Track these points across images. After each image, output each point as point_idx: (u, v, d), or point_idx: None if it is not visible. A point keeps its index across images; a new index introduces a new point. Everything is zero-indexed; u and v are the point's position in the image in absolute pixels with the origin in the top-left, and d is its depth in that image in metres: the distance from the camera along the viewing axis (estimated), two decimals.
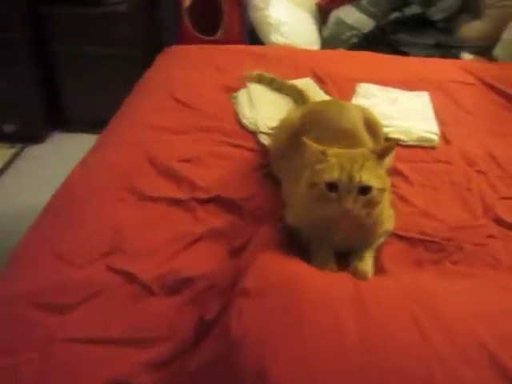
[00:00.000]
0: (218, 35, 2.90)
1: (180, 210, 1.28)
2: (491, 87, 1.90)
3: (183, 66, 1.97)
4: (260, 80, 1.81)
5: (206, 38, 2.92)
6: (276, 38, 2.96)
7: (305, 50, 2.38)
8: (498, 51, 2.29)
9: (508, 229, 1.29)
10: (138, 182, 1.36)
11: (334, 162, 1.05)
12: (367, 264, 1.13)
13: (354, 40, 2.85)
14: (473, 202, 1.38)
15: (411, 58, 2.21)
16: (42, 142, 2.74)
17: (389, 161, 1.07)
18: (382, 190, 1.05)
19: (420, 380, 0.74)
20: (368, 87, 1.84)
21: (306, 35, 3.02)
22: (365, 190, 1.02)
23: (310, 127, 1.33)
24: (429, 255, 1.20)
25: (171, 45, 2.41)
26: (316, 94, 1.76)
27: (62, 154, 2.39)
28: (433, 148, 1.58)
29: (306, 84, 1.83)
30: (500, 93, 1.88)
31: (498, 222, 1.31)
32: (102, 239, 1.18)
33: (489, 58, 2.42)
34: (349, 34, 2.85)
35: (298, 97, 1.70)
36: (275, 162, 1.43)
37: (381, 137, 1.44)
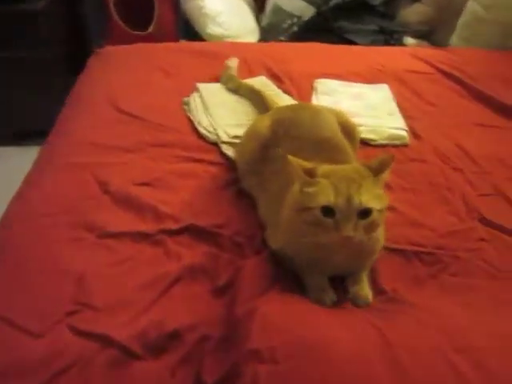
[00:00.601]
0: (151, 29, 2.69)
1: (148, 247, 1.12)
2: (447, 75, 1.86)
3: (123, 70, 1.77)
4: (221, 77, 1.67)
5: (138, 33, 2.70)
6: (213, 29, 2.79)
7: (255, 44, 2.25)
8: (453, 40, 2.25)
9: (495, 229, 1.24)
10: (92, 215, 1.18)
11: (326, 183, 0.92)
12: (366, 287, 1.04)
13: (295, 28, 2.73)
14: (455, 202, 1.32)
15: (364, 48, 2.13)
16: None
17: (386, 176, 0.96)
18: (381, 211, 0.94)
19: None
20: (328, 83, 1.73)
21: (243, 25, 2.87)
22: (365, 213, 0.91)
23: (282, 138, 1.21)
24: (426, 269, 1.13)
25: (99, 44, 2.18)
26: (275, 94, 1.63)
27: None
28: (405, 146, 1.51)
29: (262, 83, 1.70)
30: (456, 81, 1.84)
31: (484, 222, 1.27)
32: (62, 294, 1.00)
33: (432, 42, 2.40)
34: (289, 21, 2.73)
35: (257, 99, 1.57)
36: (245, 177, 1.29)
37: (358, 141, 1.34)
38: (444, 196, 1.33)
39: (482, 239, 1.21)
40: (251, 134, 1.30)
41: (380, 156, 0.97)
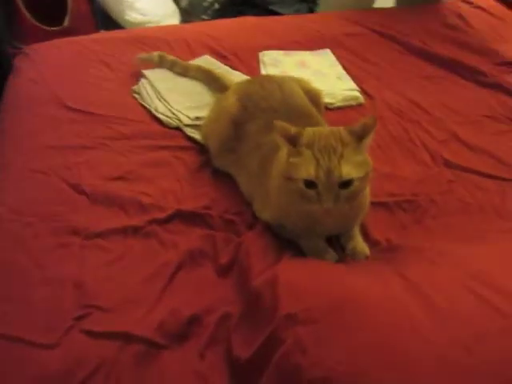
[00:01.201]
0: (66, 24, 2.56)
1: (140, 240, 1.09)
2: (382, 35, 1.92)
3: (58, 67, 1.68)
4: (161, 62, 1.61)
5: (52, 28, 2.56)
6: (131, 15, 2.72)
7: (191, 25, 2.19)
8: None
9: (460, 170, 1.33)
10: (72, 218, 1.13)
11: (309, 155, 0.93)
12: (361, 241, 1.08)
13: (216, 6, 2.72)
14: (419, 151, 1.39)
15: (298, 17, 2.15)
16: None
17: (369, 140, 0.97)
18: (365, 176, 0.95)
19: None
20: (272, 54, 1.74)
21: (162, 9, 2.81)
22: (346, 184, 0.92)
23: (254, 113, 1.21)
24: (408, 216, 1.19)
25: (12, 44, 2.05)
26: (225, 71, 1.62)
27: None
28: (360, 105, 1.56)
29: (207, 62, 1.67)
30: (392, 39, 1.91)
31: (449, 165, 1.35)
32: (64, 302, 0.95)
33: None
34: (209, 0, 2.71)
35: (209, 78, 1.55)
36: (219, 157, 1.28)
37: (323, 107, 1.37)
38: (408, 147, 1.40)
39: (451, 181, 1.29)
40: (219, 113, 1.29)
41: (363, 119, 0.97)
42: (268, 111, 1.19)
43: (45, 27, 2.53)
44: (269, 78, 1.28)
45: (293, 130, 0.96)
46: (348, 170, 0.91)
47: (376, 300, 0.77)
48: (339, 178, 0.91)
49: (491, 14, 2.23)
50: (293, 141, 0.95)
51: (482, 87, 1.69)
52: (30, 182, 1.23)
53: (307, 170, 0.92)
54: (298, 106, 1.19)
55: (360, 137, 0.95)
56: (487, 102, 1.60)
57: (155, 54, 1.62)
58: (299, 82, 1.32)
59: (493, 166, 1.33)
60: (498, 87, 1.67)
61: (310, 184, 0.93)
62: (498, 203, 1.21)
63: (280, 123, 0.97)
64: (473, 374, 0.66)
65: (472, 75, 1.74)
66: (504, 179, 1.29)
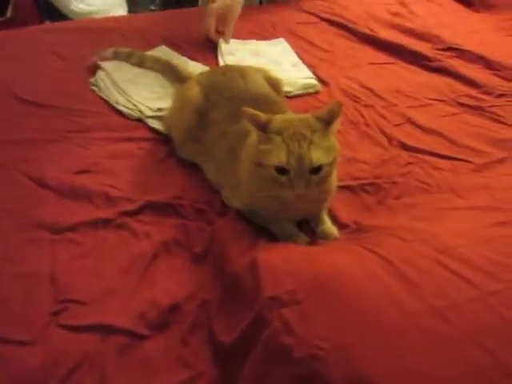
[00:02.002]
0: (9, 14, 2.46)
1: (112, 232, 1.08)
2: (331, 23, 1.97)
3: (10, 59, 1.62)
4: (116, 56, 1.59)
5: None
6: (77, 6, 2.65)
7: (144, 15, 2.14)
8: None
9: (416, 152, 1.38)
10: (38, 212, 1.10)
11: (279, 142, 0.95)
12: (329, 224, 1.12)
13: None
14: (376, 135, 1.44)
15: (249, 8, 2.14)
16: None
17: (337, 125, 1.00)
18: (333, 161, 0.99)
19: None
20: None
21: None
22: (316, 169, 0.95)
23: (217, 102, 1.22)
24: (372, 198, 1.23)
25: None
26: (182, 61, 1.61)
27: None
28: (317, 93, 1.60)
29: (164, 52, 1.67)
30: (340, 26, 1.96)
31: (405, 147, 1.40)
32: (39, 297, 0.94)
33: None
34: None
35: (166, 69, 1.54)
36: (184, 147, 1.28)
37: (283, 95, 1.39)
38: (365, 132, 1.45)
39: (409, 163, 1.34)
40: (182, 103, 1.29)
41: (328, 105, 0.99)
42: (232, 100, 1.20)
43: None
44: (230, 67, 1.30)
45: (263, 116, 0.98)
46: (318, 156, 0.94)
47: (354, 277, 0.81)
48: (310, 164, 0.94)
49: (431, 1, 2.32)
50: (263, 127, 0.97)
51: (430, 72, 1.77)
52: None
53: (278, 156, 0.94)
54: (262, 95, 1.21)
55: (327, 123, 0.98)
56: (436, 86, 1.67)
57: (109, 50, 1.59)
58: (260, 71, 1.34)
59: (446, 147, 1.40)
60: (444, 71, 1.75)
61: (281, 170, 0.95)
62: (453, 182, 1.28)
63: (249, 110, 0.99)
64: (452, 342, 0.71)
65: (419, 60, 1.81)
66: (456, 159, 1.36)
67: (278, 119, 0.99)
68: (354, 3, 2.18)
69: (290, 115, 1.04)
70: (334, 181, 1.11)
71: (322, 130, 0.97)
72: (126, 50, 1.60)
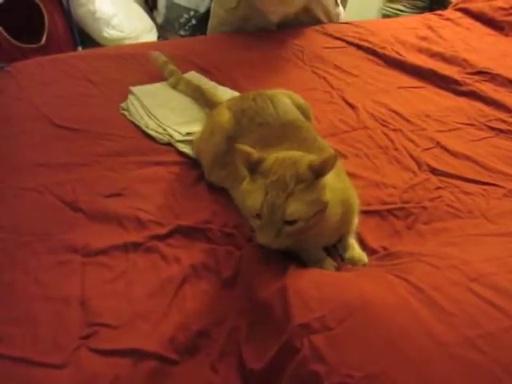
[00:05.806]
0: (43, 41, 2.54)
1: (142, 256, 1.09)
2: (358, 47, 1.99)
3: (44, 85, 1.67)
4: (163, 67, 1.68)
5: (29, 46, 2.54)
6: (108, 32, 2.73)
7: (174, 41, 2.20)
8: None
9: (446, 177, 1.37)
10: (71, 236, 1.12)
11: (261, 185, 0.93)
12: (357, 249, 1.11)
13: (193, 21, 2.74)
14: (405, 160, 1.43)
15: (279, 31, 2.17)
16: None
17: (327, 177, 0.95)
18: (316, 214, 0.93)
19: None
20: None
21: (139, 25, 2.83)
22: (290, 222, 0.92)
23: (248, 128, 1.23)
24: (401, 223, 1.22)
25: None
26: (212, 86, 1.64)
27: None
28: (343, 114, 1.60)
29: (194, 77, 1.70)
30: (367, 51, 1.97)
31: (435, 173, 1.39)
32: (69, 320, 0.95)
33: None
34: (186, 16, 2.73)
35: (197, 93, 1.57)
36: (213, 171, 1.30)
37: (312, 119, 1.40)
38: (394, 156, 1.44)
39: (439, 187, 1.33)
40: (212, 128, 1.30)
41: (324, 155, 0.94)
42: (261, 126, 1.21)
43: (22, 45, 2.51)
44: (260, 93, 1.31)
45: (256, 155, 0.96)
46: (293, 210, 0.90)
47: (385, 304, 0.80)
48: (282, 216, 0.91)
49: (459, 24, 2.33)
50: (252, 167, 0.96)
51: (458, 96, 1.76)
52: (23, 201, 1.22)
53: (255, 200, 0.93)
54: (291, 120, 1.22)
55: (318, 174, 0.93)
56: (465, 110, 1.66)
57: (163, 57, 1.66)
58: (290, 96, 1.35)
59: (476, 172, 1.38)
60: (472, 95, 1.75)
61: (257, 214, 0.94)
62: (484, 207, 1.26)
63: (242, 147, 0.97)
64: (485, 371, 0.69)
65: (447, 84, 1.81)
66: (487, 183, 1.34)
67: (270, 160, 0.96)
68: (381, 28, 2.20)
69: (286, 154, 0.98)
70: (355, 203, 1.11)
71: (309, 181, 0.92)
72: (172, 66, 1.67)
